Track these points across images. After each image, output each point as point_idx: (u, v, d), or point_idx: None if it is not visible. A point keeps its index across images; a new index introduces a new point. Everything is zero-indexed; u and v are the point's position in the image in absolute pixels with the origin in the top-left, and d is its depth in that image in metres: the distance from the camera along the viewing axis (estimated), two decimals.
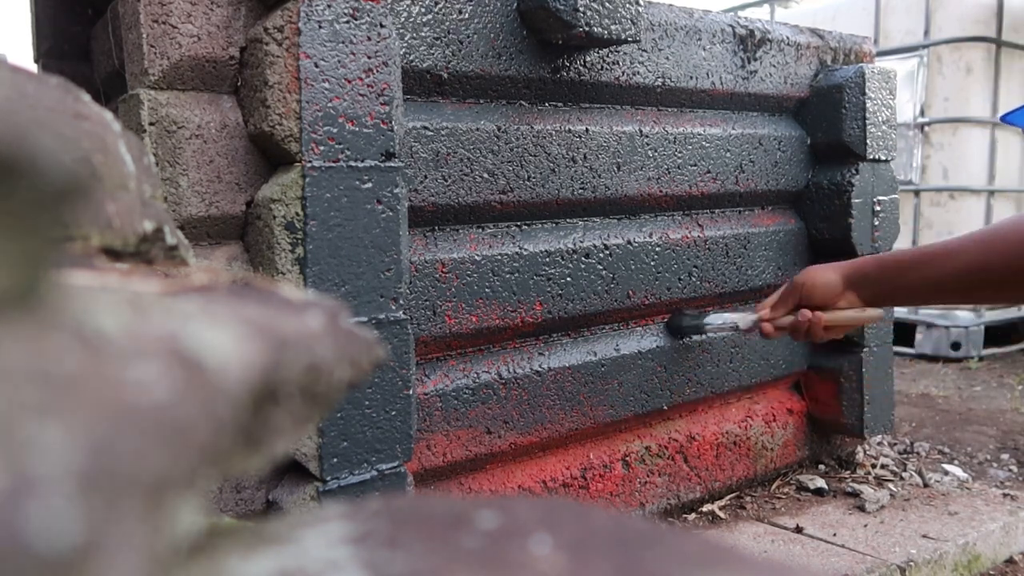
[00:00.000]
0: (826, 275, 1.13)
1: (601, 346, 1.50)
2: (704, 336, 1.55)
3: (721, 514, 1.62)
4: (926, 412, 2.78)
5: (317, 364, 0.27)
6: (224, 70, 1.10)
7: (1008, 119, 0.88)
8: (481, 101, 1.35)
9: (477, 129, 1.31)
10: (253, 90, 1.08)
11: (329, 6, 1.05)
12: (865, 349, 1.77)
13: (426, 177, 1.25)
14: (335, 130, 1.06)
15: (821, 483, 1.74)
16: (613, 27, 1.31)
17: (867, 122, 1.74)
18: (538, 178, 1.39)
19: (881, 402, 1.81)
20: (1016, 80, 3.74)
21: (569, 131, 1.43)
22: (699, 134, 1.63)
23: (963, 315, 3.65)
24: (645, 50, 1.52)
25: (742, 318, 1.33)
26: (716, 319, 1.43)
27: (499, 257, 1.34)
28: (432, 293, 1.26)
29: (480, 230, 1.35)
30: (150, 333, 0.20)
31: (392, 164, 1.11)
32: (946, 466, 2.03)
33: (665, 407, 1.59)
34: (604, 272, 1.48)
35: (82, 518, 0.14)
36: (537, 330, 1.42)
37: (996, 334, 3.78)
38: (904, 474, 1.85)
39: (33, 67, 1.62)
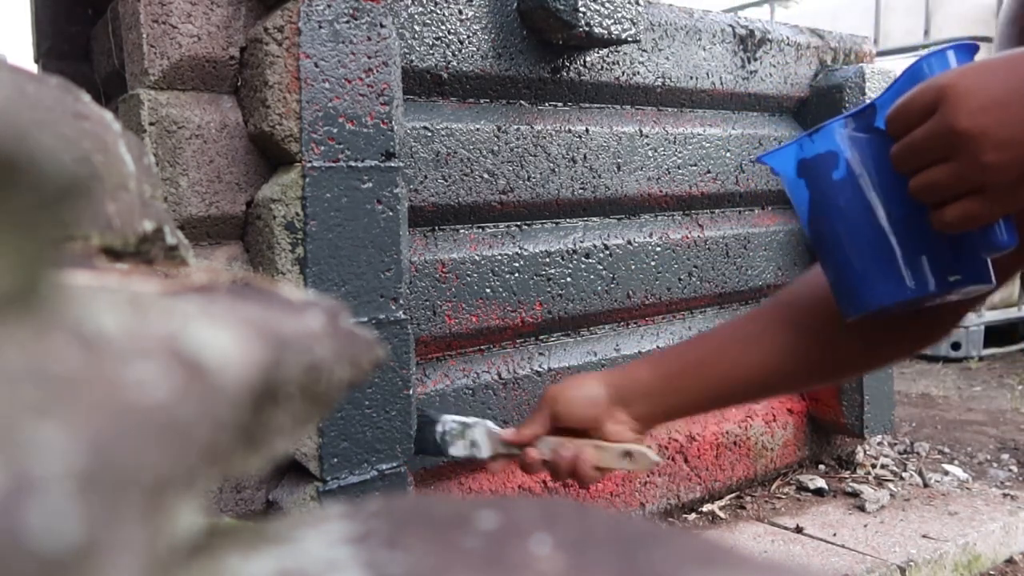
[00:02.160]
0: (587, 387, 0.86)
1: (601, 346, 1.50)
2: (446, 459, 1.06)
3: (721, 514, 1.62)
4: (926, 412, 2.78)
5: (317, 364, 0.27)
6: (224, 70, 1.10)
7: (765, 160, 0.80)
8: (481, 101, 1.35)
9: (477, 129, 1.31)
10: (253, 90, 1.08)
11: (329, 6, 1.05)
12: None
13: (426, 177, 1.25)
14: (335, 130, 1.06)
15: (821, 483, 1.74)
16: (613, 27, 1.31)
17: None
18: (538, 178, 1.39)
19: (881, 402, 1.81)
20: None
21: (569, 131, 1.43)
22: (699, 134, 1.63)
23: None
24: (645, 50, 1.52)
25: (484, 437, 0.94)
26: (452, 439, 0.97)
27: (499, 257, 1.34)
28: (432, 293, 1.26)
29: (480, 230, 1.35)
30: (150, 333, 0.20)
31: (392, 164, 1.11)
32: (946, 466, 2.03)
33: None
34: (604, 272, 1.48)
35: (82, 518, 0.14)
36: (537, 330, 1.42)
37: (996, 334, 3.78)
38: (904, 474, 1.85)
39: (33, 67, 1.62)
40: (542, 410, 0.88)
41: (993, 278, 0.69)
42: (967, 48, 0.66)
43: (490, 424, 0.93)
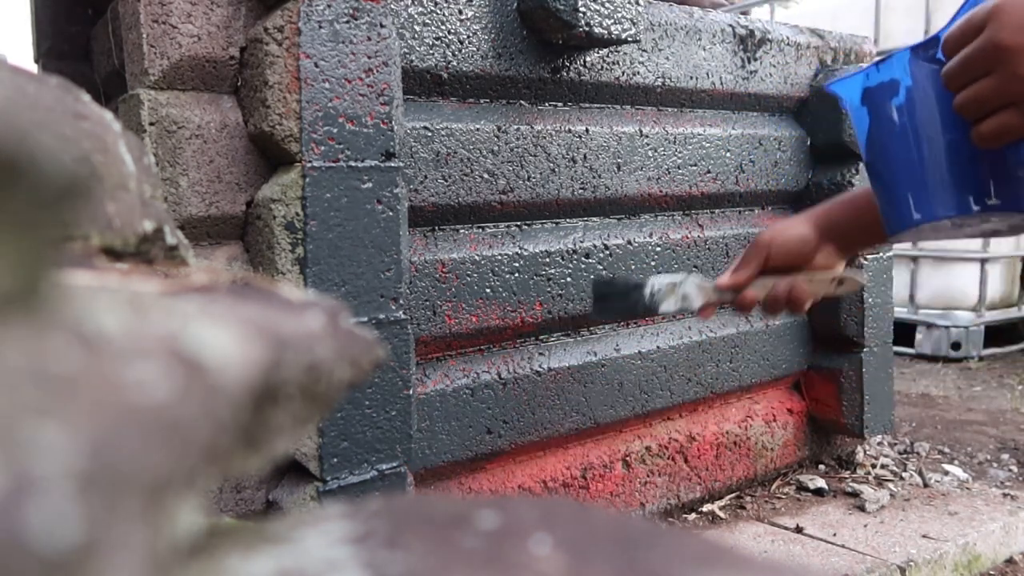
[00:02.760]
0: (797, 229, 0.95)
1: (601, 346, 1.50)
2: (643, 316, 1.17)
3: (721, 514, 1.62)
4: (926, 412, 2.78)
5: (317, 364, 0.27)
6: (224, 70, 1.10)
7: (833, 88, 0.86)
8: (481, 101, 1.35)
9: (477, 129, 1.31)
10: (253, 90, 1.08)
11: (329, 6, 1.05)
12: (865, 349, 1.77)
13: (426, 177, 1.25)
14: (335, 130, 1.06)
15: (821, 483, 1.74)
16: (613, 27, 1.31)
17: None
18: (538, 178, 1.39)
19: (881, 402, 1.81)
20: None
21: (569, 131, 1.43)
22: (699, 134, 1.63)
23: (963, 315, 3.65)
24: (645, 50, 1.52)
25: (695, 289, 1.00)
26: (662, 297, 1.01)
27: (499, 257, 1.34)
28: (432, 293, 1.26)
29: (480, 230, 1.35)
30: (150, 333, 0.20)
31: (392, 164, 1.11)
32: (946, 466, 2.03)
33: (665, 407, 1.59)
34: (604, 272, 1.48)
35: (82, 518, 0.14)
36: (537, 330, 1.42)
37: (996, 334, 3.78)
38: (904, 474, 1.85)
39: (33, 67, 1.62)
40: (756, 254, 0.96)
41: None
42: None
43: (698, 277, 1.00)
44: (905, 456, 2.05)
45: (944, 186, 0.74)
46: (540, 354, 1.42)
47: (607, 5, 1.30)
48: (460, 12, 1.27)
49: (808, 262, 0.95)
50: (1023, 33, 0.62)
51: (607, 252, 1.48)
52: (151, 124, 1.04)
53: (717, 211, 1.71)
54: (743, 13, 2.83)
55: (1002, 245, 3.60)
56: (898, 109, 0.76)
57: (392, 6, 1.19)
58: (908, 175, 0.76)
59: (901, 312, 3.59)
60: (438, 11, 1.25)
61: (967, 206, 0.73)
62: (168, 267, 0.39)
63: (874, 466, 1.88)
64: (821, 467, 1.87)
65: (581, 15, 1.27)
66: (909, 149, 0.76)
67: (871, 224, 0.93)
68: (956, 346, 3.63)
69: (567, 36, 1.31)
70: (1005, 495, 1.76)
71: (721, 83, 1.65)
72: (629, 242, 1.52)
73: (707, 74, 1.63)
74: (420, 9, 1.23)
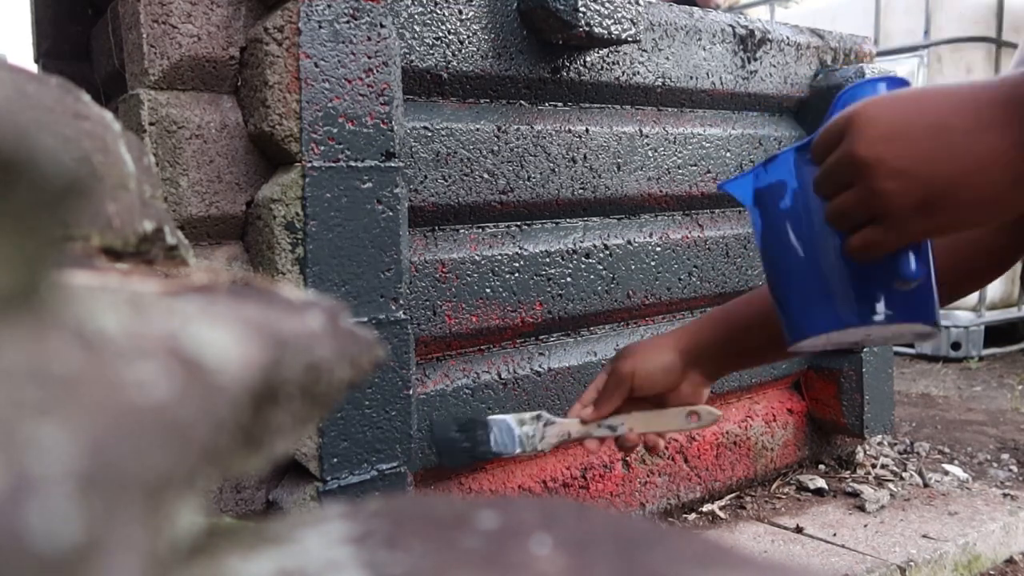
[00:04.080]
0: (661, 358, 0.88)
1: (601, 346, 1.50)
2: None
3: (721, 514, 1.62)
4: (926, 412, 2.78)
5: (317, 364, 0.27)
6: (224, 70, 1.10)
7: (725, 188, 0.81)
8: (481, 101, 1.35)
9: (477, 129, 1.31)
10: (253, 90, 1.08)
11: (329, 6, 1.05)
12: (865, 349, 1.77)
13: (426, 177, 1.25)
14: (335, 130, 1.06)
15: (821, 483, 1.74)
16: (613, 27, 1.31)
17: None
18: (538, 178, 1.39)
19: (881, 402, 1.81)
20: None
21: (569, 131, 1.43)
22: (699, 134, 1.63)
23: (963, 315, 3.65)
24: (645, 50, 1.52)
25: (549, 431, 0.92)
26: (501, 428, 0.92)
27: (499, 257, 1.34)
28: (432, 293, 1.26)
29: (480, 230, 1.35)
30: (150, 333, 0.20)
31: (392, 164, 1.11)
32: (946, 466, 2.03)
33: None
34: (604, 272, 1.48)
35: (82, 518, 0.14)
36: (537, 330, 1.42)
37: (996, 334, 3.78)
38: (904, 474, 1.85)
39: (33, 67, 1.62)
40: (618, 386, 0.89)
41: (938, 319, 0.69)
42: (898, 81, 0.67)
43: (546, 416, 0.93)
44: (905, 456, 2.05)
45: (833, 297, 0.69)
46: (540, 354, 1.42)
47: (607, 5, 1.30)
48: (460, 12, 1.27)
49: (673, 391, 0.89)
50: (880, 145, 0.58)
51: (607, 252, 1.48)
52: (151, 124, 1.04)
53: (717, 211, 1.71)
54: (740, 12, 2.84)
55: None
56: (785, 213, 0.72)
57: (392, 6, 1.19)
58: (798, 283, 0.72)
59: None
60: (438, 11, 1.25)
61: (855, 318, 0.69)
62: (168, 267, 0.39)
63: (874, 466, 1.88)
64: (821, 467, 1.87)
65: (581, 15, 1.27)
66: (798, 256, 0.71)
67: (745, 347, 0.89)
68: (956, 346, 3.63)
69: (567, 36, 1.31)
70: (1005, 495, 1.76)
71: (721, 83, 1.65)
72: (629, 242, 1.52)
73: (707, 74, 1.63)
74: (420, 9, 1.23)
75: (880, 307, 0.68)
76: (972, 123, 0.57)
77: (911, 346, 3.74)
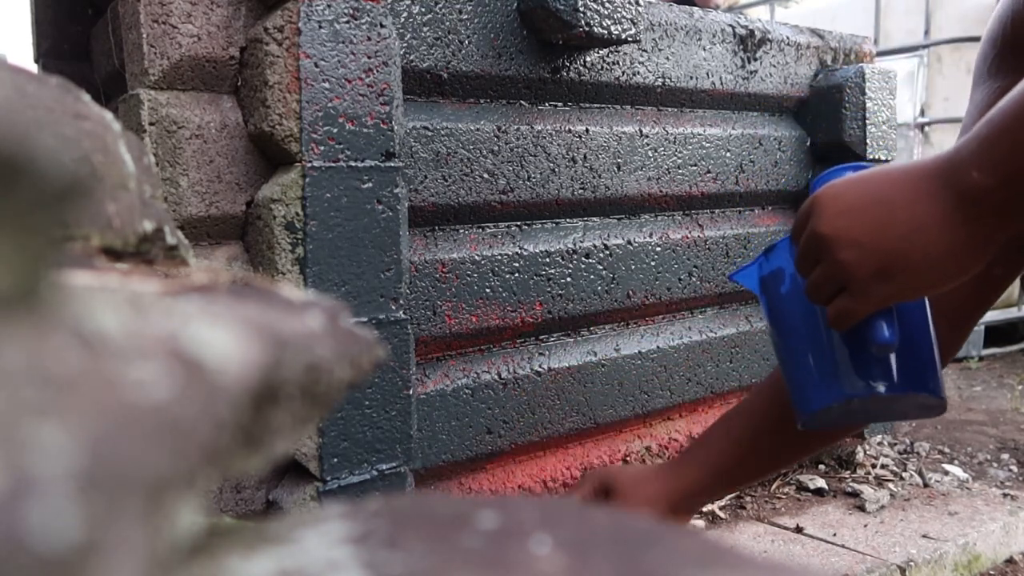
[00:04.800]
0: (646, 497, 0.95)
1: (601, 346, 1.50)
2: None
3: (721, 514, 1.62)
4: None
5: (317, 364, 0.27)
6: (224, 70, 1.10)
7: (736, 279, 0.86)
8: (481, 101, 1.35)
9: (477, 129, 1.31)
10: (253, 90, 1.08)
11: (329, 6, 1.05)
12: None
13: (426, 177, 1.25)
14: (335, 130, 1.06)
15: (821, 483, 1.74)
16: (613, 27, 1.31)
17: (867, 122, 1.74)
18: (538, 178, 1.39)
19: None
20: None
21: (569, 131, 1.43)
22: (699, 134, 1.63)
23: None
24: (645, 50, 1.52)
25: None
26: None
27: (499, 257, 1.34)
28: (432, 293, 1.26)
29: (480, 230, 1.35)
30: (150, 333, 0.20)
31: (392, 164, 1.11)
32: (946, 466, 2.03)
33: (665, 407, 1.59)
34: (604, 272, 1.48)
35: (82, 518, 0.14)
36: (537, 330, 1.42)
37: (996, 334, 3.78)
38: (904, 474, 1.85)
39: (33, 67, 1.62)
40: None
41: (941, 391, 0.74)
42: (863, 167, 0.73)
43: None
44: (905, 456, 2.05)
45: (836, 371, 0.74)
46: (540, 354, 1.42)
47: (607, 5, 1.30)
48: (460, 12, 1.27)
49: None
50: (837, 220, 0.65)
51: (607, 252, 1.48)
52: (151, 124, 1.04)
53: (717, 211, 1.71)
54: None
55: None
56: (784, 296, 0.78)
57: (392, 6, 1.19)
58: (803, 361, 0.76)
59: None
60: (438, 11, 1.25)
61: (858, 390, 0.72)
62: (168, 267, 0.39)
63: (874, 466, 1.88)
64: (821, 467, 1.87)
65: (581, 15, 1.27)
66: (801, 335, 0.76)
67: (734, 480, 0.96)
68: None
69: (567, 36, 1.31)
70: (1005, 495, 1.76)
71: (721, 83, 1.65)
72: (629, 242, 1.52)
73: (707, 74, 1.63)
74: (420, 9, 1.23)
75: (880, 380, 0.72)
76: (909, 195, 0.64)
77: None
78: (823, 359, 0.75)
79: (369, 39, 1.08)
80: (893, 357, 0.72)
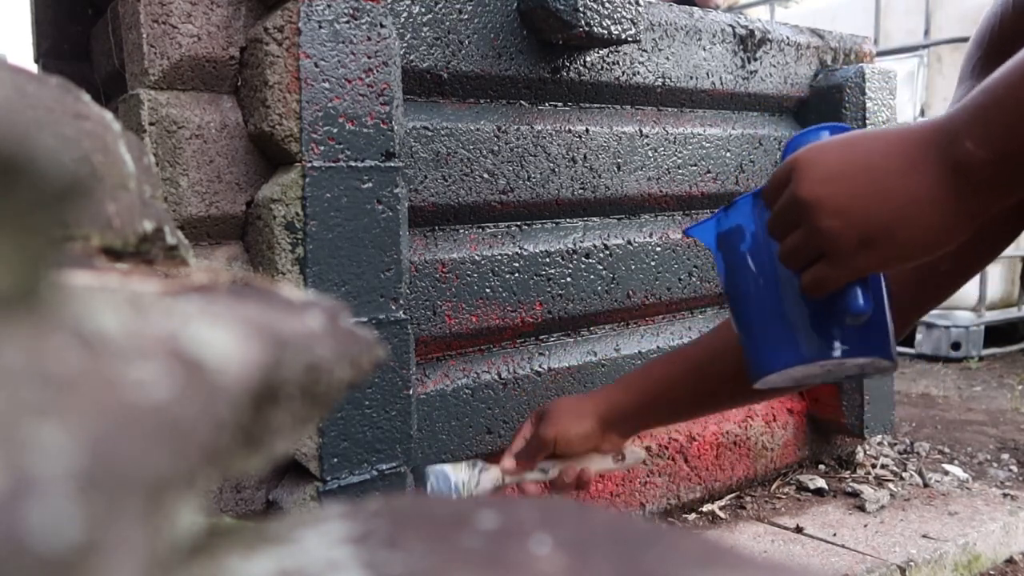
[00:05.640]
0: (579, 425, 0.97)
1: (601, 346, 1.50)
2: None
3: (721, 514, 1.62)
4: (926, 412, 2.78)
5: (317, 364, 0.27)
6: (224, 70, 1.10)
7: (691, 233, 0.86)
8: (481, 101, 1.35)
9: (477, 129, 1.31)
10: (253, 90, 1.08)
11: (329, 6, 1.05)
12: None
13: (426, 177, 1.25)
14: (335, 130, 1.06)
15: (821, 483, 1.74)
16: (613, 27, 1.31)
17: (867, 122, 1.74)
18: (538, 178, 1.39)
19: (881, 402, 1.81)
20: None
21: (569, 131, 1.43)
22: (699, 134, 1.63)
23: (963, 315, 3.65)
24: (645, 50, 1.52)
25: (484, 477, 1.00)
26: (438, 476, 0.99)
27: (499, 257, 1.34)
28: (432, 293, 1.26)
29: (480, 230, 1.35)
30: (150, 333, 0.20)
31: (392, 164, 1.11)
32: (946, 466, 2.03)
33: None
34: (604, 272, 1.48)
35: (82, 518, 0.14)
36: (537, 330, 1.42)
37: (996, 334, 3.78)
38: (904, 474, 1.85)
39: (33, 67, 1.62)
40: (540, 448, 0.99)
41: (893, 354, 0.72)
42: (840, 128, 0.71)
43: (481, 463, 1.01)
44: (905, 456, 2.05)
45: (794, 333, 0.73)
46: (540, 354, 1.42)
47: (607, 5, 1.30)
48: (460, 12, 1.27)
49: (593, 452, 0.99)
50: (820, 186, 0.63)
51: (607, 252, 1.48)
52: (151, 124, 1.04)
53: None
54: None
55: None
56: (746, 255, 0.76)
57: (392, 6, 1.19)
58: (760, 322, 0.75)
59: None
60: (438, 11, 1.25)
61: (815, 353, 0.72)
62: (168, 267, 0.39)
63: (874, 466, 1.88)
64: (821, 467, 1.87)
65: (581, 15, 1.27)
66: (759, 296, 0.75)
67: (663, 408, 0.97)
68: (956, 346, 3.63)
69: (567, 36, 1.31)
70: (1005, 495, 1.76)
71: (721, 83, 1.65)
72: (629, 242, 1.52)
73: (707, 74, 1.63)
74: (420, 9, 1.23)
75: (837, 342, 0.71)
76: (900, 164, 0.61)
77: (911, 345, 3.74)
78: (781, 321, 0.73)
79: (369, 39, 1.08)
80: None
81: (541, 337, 1.44)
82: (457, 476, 0.98)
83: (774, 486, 1.76)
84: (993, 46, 0.78)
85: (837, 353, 0.71)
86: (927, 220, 0.61)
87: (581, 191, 1.45)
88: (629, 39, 1.35)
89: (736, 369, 0.84)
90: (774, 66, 1.74)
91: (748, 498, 1.69)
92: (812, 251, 0.65)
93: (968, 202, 0.60)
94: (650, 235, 1.56)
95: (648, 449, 1.57)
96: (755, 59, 1.71)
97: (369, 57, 1.08)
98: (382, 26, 1.09)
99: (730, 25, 1.67)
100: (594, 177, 1.46)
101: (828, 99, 1.77)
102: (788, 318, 0.73)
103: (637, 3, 1.34)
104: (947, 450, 2.28)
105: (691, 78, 1.60)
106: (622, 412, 0.97)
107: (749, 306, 0.76)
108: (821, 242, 0.64)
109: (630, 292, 1.52)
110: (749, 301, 0.76)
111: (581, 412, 0.98)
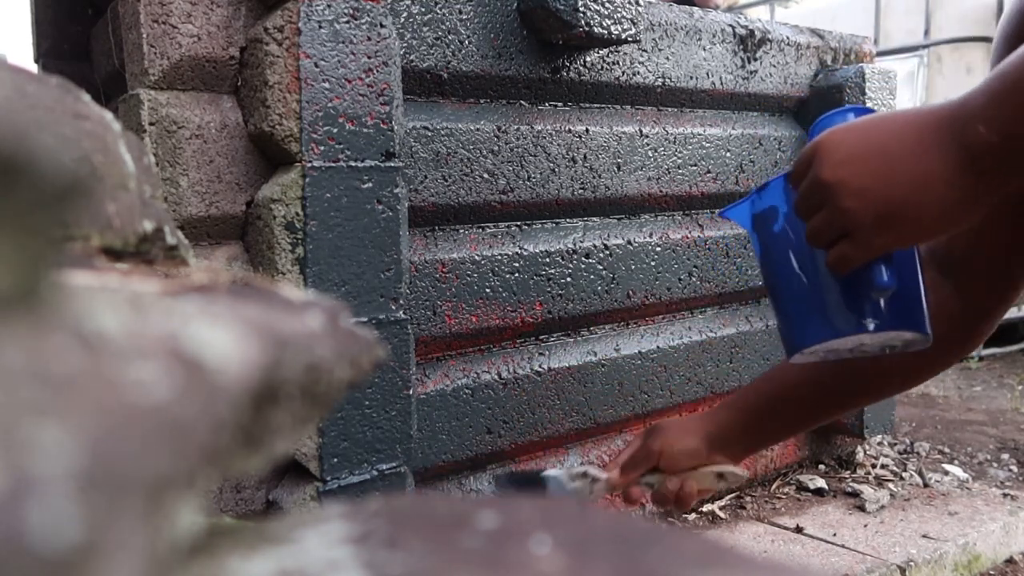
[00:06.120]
0: (686, 442, 0.98)
1: (601, 346, 1.50)
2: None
3: (721, 514, 1.62)
4: (926, 412, 2.78)
5: (317, 364, 0.27)
6: (224, 70, 1.10)
7: (726, 215, 0.88)
8: (481, 101, 1.35)
9: (477, 129, 1.31)
10: (253, 90, 1.08)
11: (329, 6, 1.05)
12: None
13: (426, 177, 1.25)
14: (335, 130, 1.06)
15: (821, 483, 1.74)
16: (613, 27, 1.31)
17: None
18: (538, 178, 1.39)
19: (881, 402, 1.81)
20: None
21: (569, 131, 1.43)
22: (699, 134, 1.63)
23: None
24: (645, 50, 1.52)
25: (596, 487, 1.02)
26: (556, 484, 1.02)
27: (499, 257, 1.34)
28: (432, 293, 1.26)
29: (480, 230, 1.35)
30: (150, 333, 0.20)
31: (392, 164, 1.11)
32: (946, 466, 2.03)
33: (665, 407, 1.59)
34: (604, 272, 1.48)
35: (82, 518, 0.14)
36: (537, 330, 1.42)
37: (996, 334, 3.78)
38: (904, 474, 1.85)
39: (33, 67, 1.62)
40: (645, 460, 0.99)
41: (927, 328, 0.75)
42: (864, 110, 0.74)
43: (591, 471, 1.01)
44: (905, 456, 2.05)
45: (827, 309, 0.75)
46: (540, 354, 1.42)
47: (607, 5, 1.30)
48: (460, 12, 1.27)
49: (697, 469, 0.99)
50: (840, 168, 0.66)
51: (607, 252, 1.48)
52: (151, 124, 1.04)
53: (717, 211, 1.71)
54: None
55: None
56: (778, 235, 0.79)
57: (392, 6, 1.19)
58: (795, 299, 0.78)
59: None
60: (438, 11, 1.25)
61: (848, 327, 0.74)
62: (168, 267, 0.39)
63: (874, 466, 1.88)
64: (821, 467, 1.87)
65: (581, 15, 1.27)
66: (793, 274, 0.78)
67: (768, 432, 0.98)
68: None
69: (567, 36, 1.31)
70: (1005, 495, 1.76)
71: (721, 83, 1.65)
72: (629, 242, 1.52)
73: (707, 74, 1.63)
74: (420, 9, 1.23)
75: (869, 318, 0.74)
76: (914, 146, 0.64)
77: None
78: (815, 297, 0.76)
79: (369, 39, 1.08)
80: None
81: (541, 337, 1.44)
82: (572, 484, 1.00)
83: (774, 486, 1.76)
84: (1017, 36, 0.79)
85: (870, 327, 0.74)
86: (941, 200, 0.63)
87: (581, 191, 1.45)
88: (629, 39, 1.35)
89: (843, 374, 0.86)
90: (774, 66, 1.74)
91: (748, 498, 1.69)
92: (835, 230, 0.68)
93: (980, 182, 0.62)
94: (650, 235, 1.56)
95: None
96: (755, 59, 1.71)
97: (369, 57, 1.08)
98: (382, 26, 1.09)
99: (730, 25, 1.67)
100: (594, 177, 1.46)
101: (828, 99, 1.77)
102: (821, 295, 0.76)
103: (637, 3, 1.34)
104: (947, 450, 2.28)
105: (691, 78, 1.60)
106: (729, 431, 0.97)
107: (783, 284, 0.79)
108: (843, 221, 0.66)
109: (630, 292, 1.52)
110: (783, 279, 0.79)
111: (688, 429, 0.99)
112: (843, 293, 0.74)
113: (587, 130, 1.45)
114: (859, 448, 1.93)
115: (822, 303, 0.75)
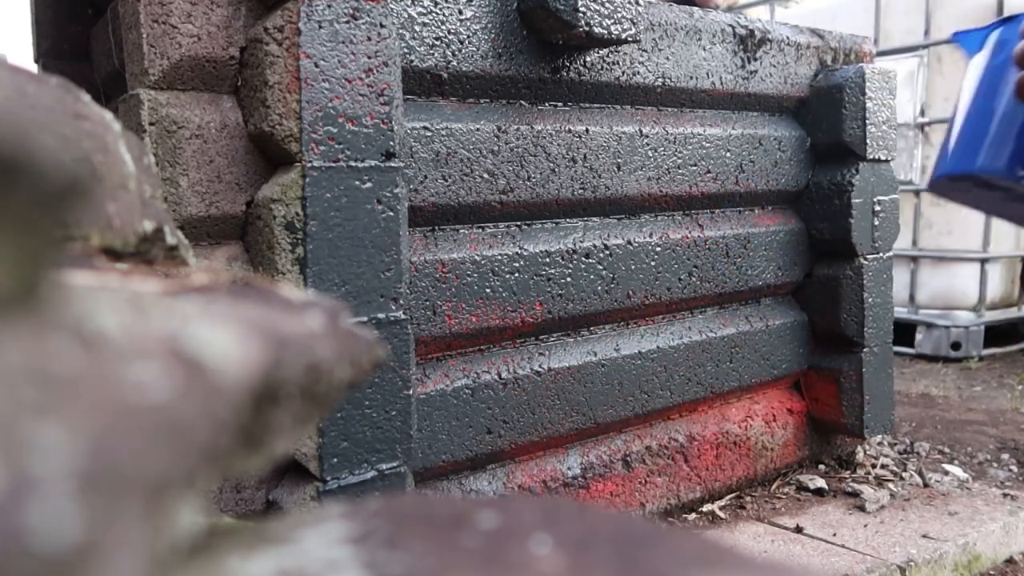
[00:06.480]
0: None
1: (601, 346, 1.50)
2: None
3: (721, 514, 1.62)
4: (926, 412, 2.78)
5: (317, 364, 0.27)
6: (224, 70, 1.10)
7: (957, 39, 0.92)
8: (481, 101, 1.35)
9: (477, 129, 1.31)
10: (253, 90, 1.08)
11: (329, 6, 1.05)
12: (865, 349, 1.77)
13: (426, 177, 1.25)
14: (335, 130, 1.06)
15: (821, 483, 1.74)
16: (613, 27, 1.31)
17: (867, 122, 1.74)
18: (538, 178, 1.39)
19: (881, 402, 1.81)
20: None
21: (569, 131, 1.43)
22: (699, 134, 1.63)
23: (963, 315, 3.65)
24: (645, 50, 1.52)
25: None
26: None
27: (499, 257, 1.34)
28: (432, 293, 1.26)
29: (480, 230, 1.35)
30: (150, 333, 0.20)
31: (392, 164, 1.11)
32: (946, 466, 2.03)
33: (665, 407, 1.59)
34: (604, 272, 1.48)
35: (82, 518, 0.14)
36: (537, 330, 1.42)
37: (996, 334, 3.78)
38: (904, 474, 1.85)
39: (33, 67, 1.62)
40: None
41: None
42: None
43: None
44: (905, 456, 2.05)
45: (992, 144, 0.80)
46: (540, 354, 1.42)
47: (607, 5, 1.30)
48: (460, 12, 1.27)
49: None
50: None
51: (607, 252, 1.48)
52: (151, 124, 1.04)
53: (717, 211, 1.71)
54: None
55: (1002, 245, 3.60)
56: (995, 67, 0.82)
57: (392, 6, 1.19)
58: (965, 126, 0.82)
59: (901, 312, 3.59)
60: (438, 11, 1.25)
61: (1001, 169, 0.78)
62: (168, 267, 0.39)
63: (874, 466, 1.88)
64: (821, 467, 1.87)
65: (581, 15, 1.27)
66: (978, 104, 0.82)
67: None
68: (956, 346, 3.63)
69: (567, 36, 1.31)
70: (1005, 495, 1.76)
71: (721, 83, 1.65)
72: (629, 242, 1.52)
73: (707, 74, 1.63)
74: (420, 9, 1.23)
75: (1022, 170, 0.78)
76: None
77: (911, 345, 3.74)
78: (986, 129, 0.80)
79: (369, 39, 1.08)
80: None
81: (541, 337, 1.44)
82: None
83: (774, 486, 1.76)
84: None
85: (1022, 173, 0.78)
86: None
87: (581, 191, 1.45)
88: (629, 39, 1.35)
89: None
90: (774, 66, 1.74)
91: (748, 498, 1.69)
92: None
93: None
94: (650, 235, 1.56)
95: (648, 449, 1.57)
96: (755, 59, 1.71)
97: (369, 57, 1.08)
98: (382, 26, 1.09)
99: (730, 25, 1.67)
100: (594, 177, 1.46)
101: (828, 99, 1.77)
102: (994, 132, 0.79)
103: (637, 3, 1.34)
104: (947, 450, 2.28)
105: (691, 78, 1.60)
106: None
107: (973, 108, 0.82)
108: None
109: (630, 292, 1.52)
110: (968, 105, 0.82)
111: None
112: (1017, 139, 0.78)
113: (587, 130, 1.45)
114: (859, 448, 1.93)
115: (988, 136, 0.79)
